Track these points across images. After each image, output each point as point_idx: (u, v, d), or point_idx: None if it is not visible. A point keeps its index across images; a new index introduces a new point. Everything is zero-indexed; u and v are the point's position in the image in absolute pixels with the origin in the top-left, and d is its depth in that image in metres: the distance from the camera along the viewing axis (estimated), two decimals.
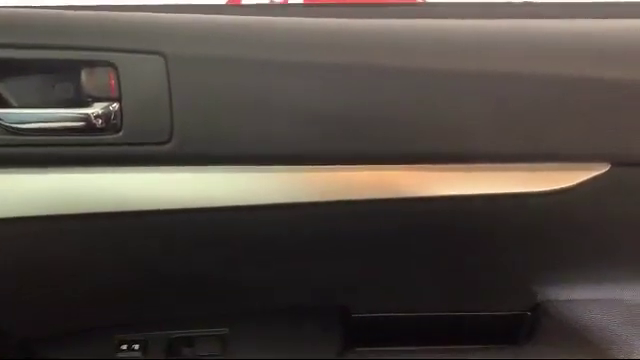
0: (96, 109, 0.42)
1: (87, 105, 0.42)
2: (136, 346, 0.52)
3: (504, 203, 0.43)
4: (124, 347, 0.53)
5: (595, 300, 0.51)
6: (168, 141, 0.41)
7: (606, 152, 0.42)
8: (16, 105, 0.42)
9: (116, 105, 0.41)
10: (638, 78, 0.41)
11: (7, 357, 0.55)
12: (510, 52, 0.41)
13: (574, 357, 0.49)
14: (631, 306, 0.50)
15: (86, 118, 0.43)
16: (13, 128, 0.42)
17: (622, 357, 0.48)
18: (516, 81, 0.41)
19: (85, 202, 0.44)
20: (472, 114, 0.41)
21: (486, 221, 0.44)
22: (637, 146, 0.43)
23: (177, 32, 0.42)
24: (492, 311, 0.53)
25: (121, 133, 0.42)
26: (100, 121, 0.43)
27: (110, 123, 0.42)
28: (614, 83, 0.41)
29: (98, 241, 0.46)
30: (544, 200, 0.42)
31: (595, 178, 0.42)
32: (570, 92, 0.41)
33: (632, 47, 0.42)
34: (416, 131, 0.41)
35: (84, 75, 0.42)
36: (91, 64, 0.41)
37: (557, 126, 0.41)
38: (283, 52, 0.41)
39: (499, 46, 0.42)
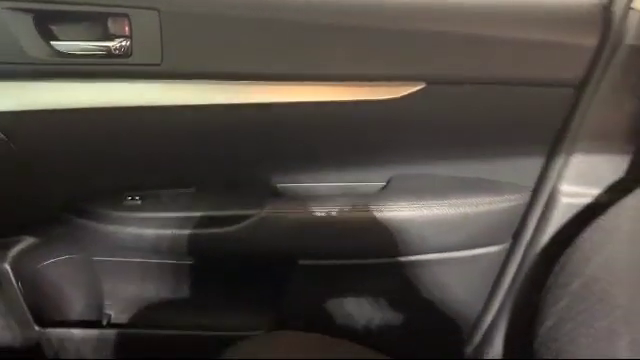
0: (115, 43, 0.69)
1: (111, 40, 0.69)
2: (137, 197, 0.81)
3: (356, 107, 0.71)
4: (129, 198, 0.81)
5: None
6: (160, 64, 0.69)
7: (422, 74, 0.70)
8: (68, 39, 0.69)
9: (129, 41, 0.68)
10: (436, 29, 0.69)
11: (52, 210, 0.83)
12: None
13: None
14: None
15: (109, 49, 0.70)
16: (66, 53, 0.69)
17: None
18: (358, 31, 0.68)
19: (107, 100, 0.72)
20: (333, 49, 0.69)
21: (345, 118, 0.73)
22: (444, 70, 0.71)
23: None
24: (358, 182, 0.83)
25: (130, 58, 0.69)
26: (118, 51, 0.70)
27: (124, 52, 0.69)
28: (423, 31, 0.69)
29: (113, 126, 0.74)
30: (381, 106, 0.71)
31: (415, 92, 0.70)
32: (393, 35, 0.68)
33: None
34: (299, 59, 0.69)
35: (110, 22, 0.68)
36: (114, 15, 0.68)
37: (386, 55, 0.69)
38: (229, 9, 0.68)
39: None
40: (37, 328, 0.83)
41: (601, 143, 0.74)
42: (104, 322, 0.89)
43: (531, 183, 0.79)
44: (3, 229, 0.82)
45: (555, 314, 0.67)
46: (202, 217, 0.79)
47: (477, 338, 0.87)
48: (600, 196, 0.74)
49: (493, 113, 0.75)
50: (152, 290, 0.90)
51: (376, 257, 0.81)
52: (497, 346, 0.85)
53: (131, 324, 0.90)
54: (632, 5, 0.68)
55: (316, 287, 0.84)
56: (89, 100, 0.71)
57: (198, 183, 0.83)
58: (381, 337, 0.87)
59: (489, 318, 0.86)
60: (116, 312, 0.91)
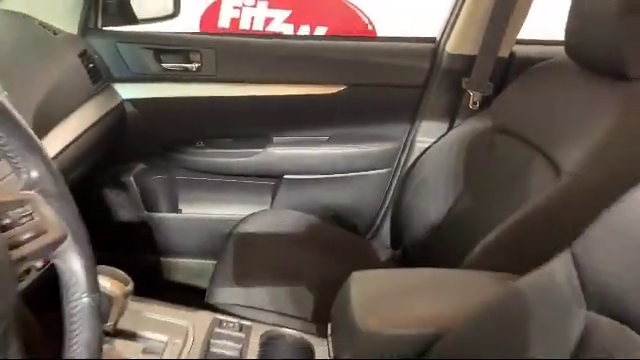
0: (193, 64, 1.41)
1: (191, 63, 1.40)
2: (202, 142, 1.53)
3: (310, 97, 1.42)
4: (198, 143, 1.53)
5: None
6: (215, 75, 1.40)
7: (343, 81, 1.42)
8: (169, 62, 1.40)
9: (200, 64, 1.39)
10: (349, 58, 1.41)
11: (156, 149, 1.55)
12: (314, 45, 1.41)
13: None
14: None
15: (189, 67, 1.41)
16: (169, 69, 1.40)
17: None
18: (311, 58, 1.41)
19: (188, 93, 1.43)
20: (299, 67, 1.41)
21: (304, 103, 1.44)
22: (354, 79, 1.42)
23: (219, 41, 1.40)
24: (314, 136, 1.56)
25: (200, 72, 1.40)
26: (194, 68, 1.41)
27: (197, 69, 1.40)
28: (343, 60, 1.41)
29: (190, 106, 1.45)
30: (324, 97, 1.43)
31: (340, 90, 1.42)
32: (328, 62, 1.41)
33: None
34: (280, 73, 1.42)
35: (190, 54, 1.39)
36: (193, 51, 1.38)
37: (325, 71, 1.41)
38: (247, 49, 1.40)
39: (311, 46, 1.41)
40: (145, 212, 1.56)
41: (437, 116, 1.47)
42: (179, 212, 1.63)
43: (403, 136, 1.52)
44: (131, 158, 1.54)
45: (409, 195, 1.39)
46: (234, 152, 1.51)
47: (381, 215, 1.62)
48: (433, 142, 1.46)
49: (380, 101, 1.47)
50: (203, 194, 1.63)
51: (321, 174, 1.54)
52: (387, 224, 1.59)
53: (191, 213, 1.63)
54: (446, 49, 1.40)
55: (291, 190, 1.57)
56: (179, 93, 1.43)
57: (233, 135, 1.55)
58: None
59: (383, 209, 1.60)
60: (184, 207, 1.63)
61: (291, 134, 1.55)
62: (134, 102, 1.43)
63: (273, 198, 1.59)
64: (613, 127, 0.94)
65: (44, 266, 0.72)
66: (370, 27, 3.34)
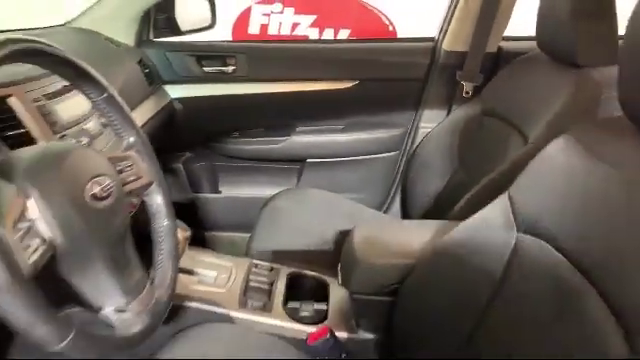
0: (229, 67, 1.68)
1: (226, 66, 1.67)
2: (237, 133, 1.80)
3: (327, 92, 1.67)
4: (234, 133, 1.80)
5: None
6: (247, 75, 1.67)
7: (356, 76, 1.67)
8: (209, 66, 1.68)
9: (234, 67, 1.67)
10: (360, 57, 1.66)
11: (199, 140, 1.83)
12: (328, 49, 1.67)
13: None
14: None
15: (225, 70, 1.68)
16: (208, 72, 1.68)
17: None
18: (328, 60, 1.66)
19: (226, 91, 1.71)
20: (316, 66, 1.67)
21: (322, 97, 1.70)
22: (365, 75, 1.68)
23: (250, 47, 1.67)
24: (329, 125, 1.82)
25: (235, 72, 1.67)
26: (229, 70, 1.68)
27: (232, 71, 1.67)
28: (355, 60, 1.66)
29: (228, 102, 1.72)
30: (340, 91, 1.68)
31: (353, 85, 1.67)
32: (343, 61, 1.66)
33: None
34: (301, 71, 1.68)
35: (226, 58, 1.66)
36: (228, 56, 1.65)
37: (341, 68, 1.66)
38: (273, 53, 1.67)
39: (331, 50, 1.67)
40: (191, 193, 1.84)
41: (436, 105, 1.71)
42: (219, 193, 1.90)
43: (408, 123, 1.76)
44: (179, 147, 1.83)
45: (414, 172, 1.63)
46: (264, 140, 1.78)
47: (392, 191, 1.86)
48: (434, 127, 1.69)
49: (388, 93, 1.72)
50: (239, 177, 1.89)
51: (339, 157, 1.80)
52: (398, 199, 1.83)
53: (230, 194, 1.90)
54: (442, 46, 1.64)
55: (313, 172, 1.83)
56: (218, 91, 1.70)
57: (263, 126, 1.82)
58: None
59: (394, 186, 1.84)
60: (224, 189, 1.91)
61: (312, 124, 1.81)
62: (181, 100, 1.71)
63: (298, 179, 1.86)
64: (566, 105, 1.17)
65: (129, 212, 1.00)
66: (391, 28, 3.56)
